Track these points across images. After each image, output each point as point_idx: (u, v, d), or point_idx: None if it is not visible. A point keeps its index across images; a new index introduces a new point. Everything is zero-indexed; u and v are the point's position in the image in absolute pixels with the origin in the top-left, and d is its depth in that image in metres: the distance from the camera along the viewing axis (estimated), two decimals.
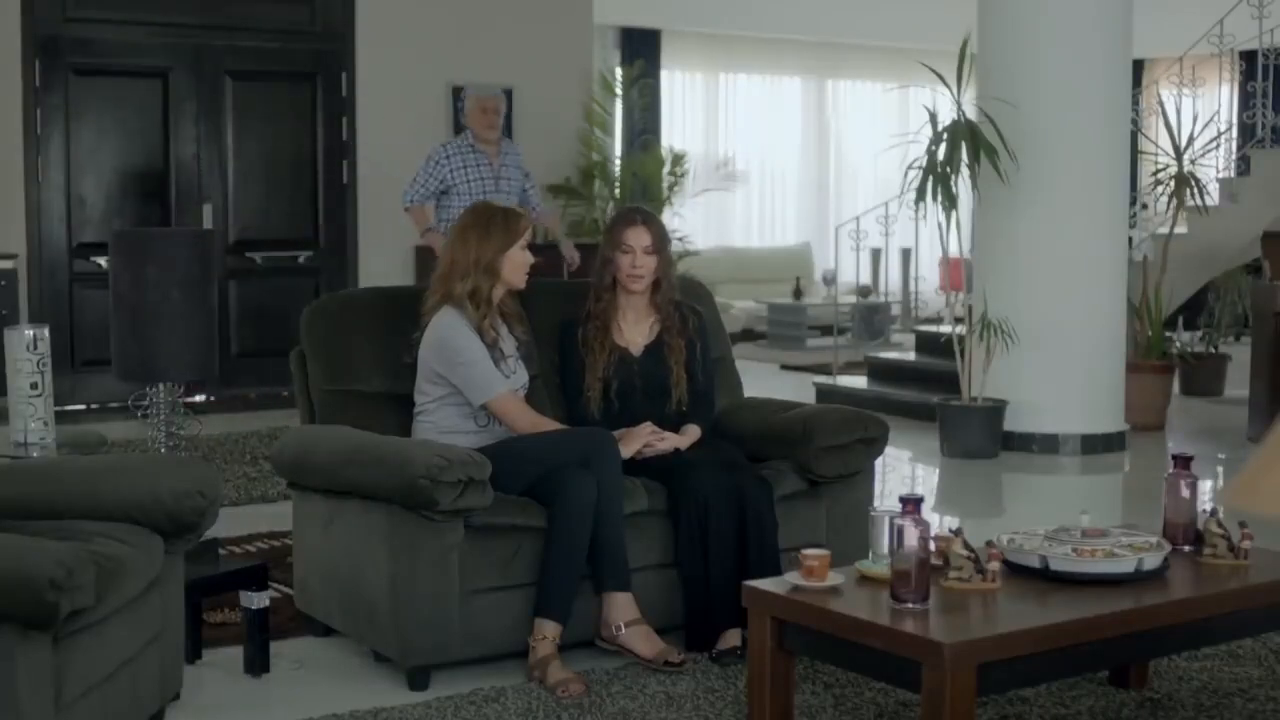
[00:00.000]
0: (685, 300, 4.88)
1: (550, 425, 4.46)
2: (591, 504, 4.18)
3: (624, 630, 4.24)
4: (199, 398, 9.07)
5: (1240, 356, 9.45)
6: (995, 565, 3.49)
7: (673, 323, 4.75)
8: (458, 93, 10.18)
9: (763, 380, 9.82)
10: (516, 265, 4.49)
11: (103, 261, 8.35)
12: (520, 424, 4.41)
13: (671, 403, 4.69)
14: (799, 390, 9.48)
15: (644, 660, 4.22)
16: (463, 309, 4.42)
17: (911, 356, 10.29)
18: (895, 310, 14.33)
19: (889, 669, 3.32)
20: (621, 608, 4.24)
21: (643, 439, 4.48)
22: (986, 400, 7.90)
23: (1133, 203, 9.15)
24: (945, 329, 9.66)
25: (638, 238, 4.67)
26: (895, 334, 13.58)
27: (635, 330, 4.74)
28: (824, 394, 9.65)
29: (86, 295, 9.07)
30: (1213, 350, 10.30)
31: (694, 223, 13.53)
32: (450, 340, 4.39)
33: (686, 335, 4.75)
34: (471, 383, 4.39)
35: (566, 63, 10.71)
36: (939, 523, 6.33)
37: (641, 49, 14.43)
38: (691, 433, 4.64)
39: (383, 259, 9.91)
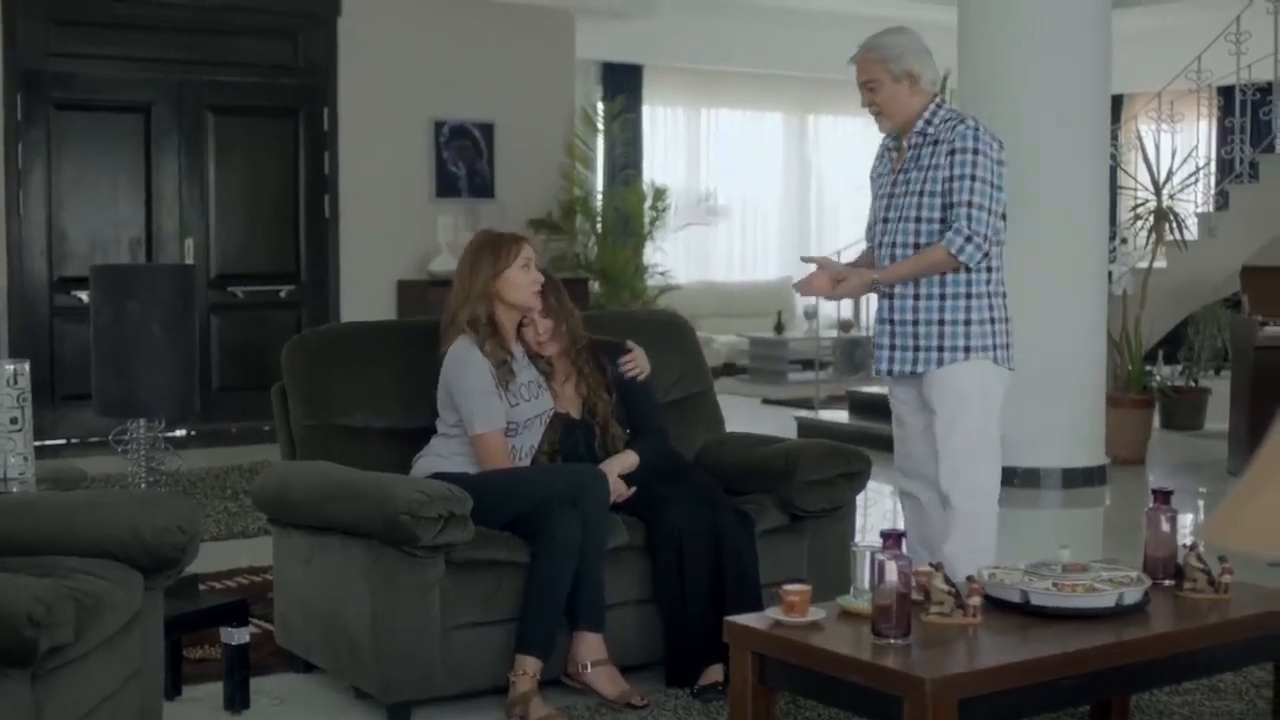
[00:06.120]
0: (598, 338, 4.74)
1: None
2: (577, 541, 4.17)
3: (590, 669, 4.23)
4: (179, 432, 9.03)
5: (1220, 390, 9.47)
6: (976, 600, 3.49)
7: (588, 372, 4.64)
8: (439, 127, 10.21)
9: (744, 414, 9.82)
10: (515, 286, 4.46)
11: (83, 295, 8.33)
12: (487, 467, 4.37)
13: (609, 451, 4.60)
14: (780, 424, 9.48)
15: (607, 700, 4.21)
16: (473, 336, 4.42)
17: None
18: None
19: (870, 704, 3.31)
20: (591, 647, 4.24)
21: None
22: None
23: (1112, 237, 9.19)
24: None
25: None
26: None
27: (568, 391, 4.65)
28: (805, 428, 9.65)
29: (67, 329, 9.05)
30: (1192, 384, 10.33)
31: (675, 257, 13.55)
32: (456, 370, 4.39)
33: (605, 381, 4.66)
34: (467, 414, 4.38)
35: (549, 97, 10.74)
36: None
37: (623, 84, 14.47)
38: (622, 459, 4.54)
39: (364, 293, 9.91)
